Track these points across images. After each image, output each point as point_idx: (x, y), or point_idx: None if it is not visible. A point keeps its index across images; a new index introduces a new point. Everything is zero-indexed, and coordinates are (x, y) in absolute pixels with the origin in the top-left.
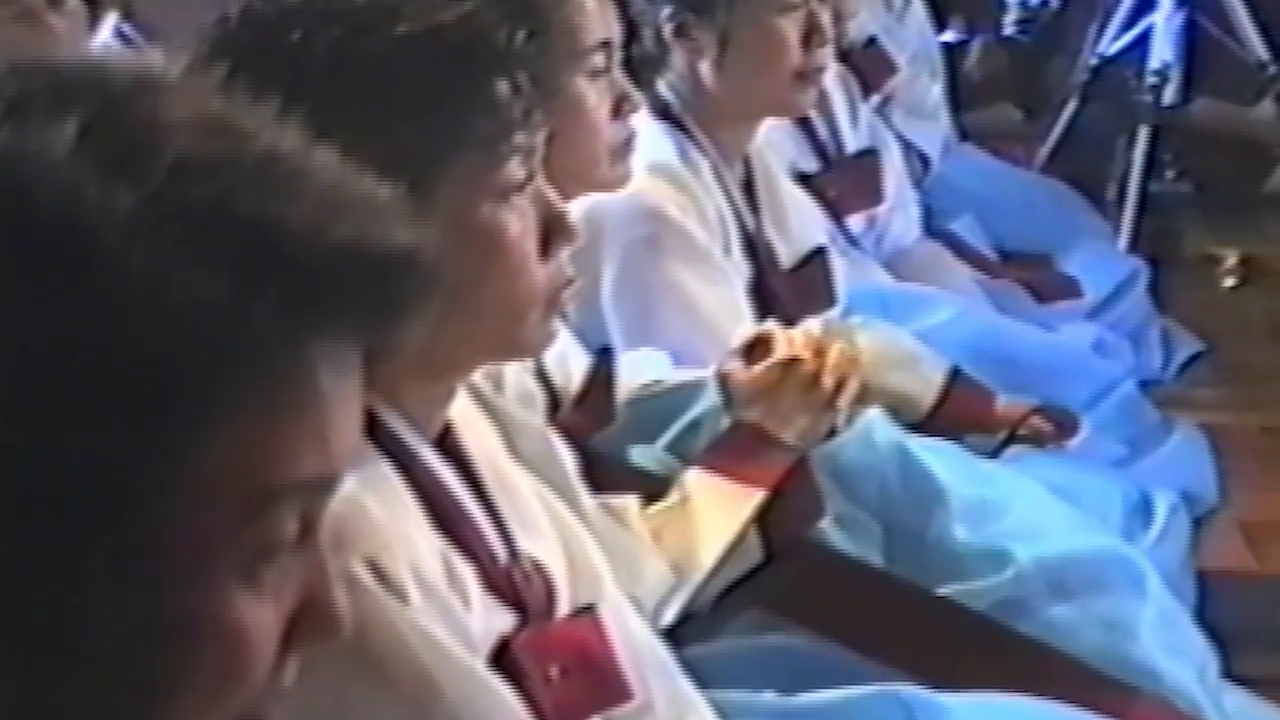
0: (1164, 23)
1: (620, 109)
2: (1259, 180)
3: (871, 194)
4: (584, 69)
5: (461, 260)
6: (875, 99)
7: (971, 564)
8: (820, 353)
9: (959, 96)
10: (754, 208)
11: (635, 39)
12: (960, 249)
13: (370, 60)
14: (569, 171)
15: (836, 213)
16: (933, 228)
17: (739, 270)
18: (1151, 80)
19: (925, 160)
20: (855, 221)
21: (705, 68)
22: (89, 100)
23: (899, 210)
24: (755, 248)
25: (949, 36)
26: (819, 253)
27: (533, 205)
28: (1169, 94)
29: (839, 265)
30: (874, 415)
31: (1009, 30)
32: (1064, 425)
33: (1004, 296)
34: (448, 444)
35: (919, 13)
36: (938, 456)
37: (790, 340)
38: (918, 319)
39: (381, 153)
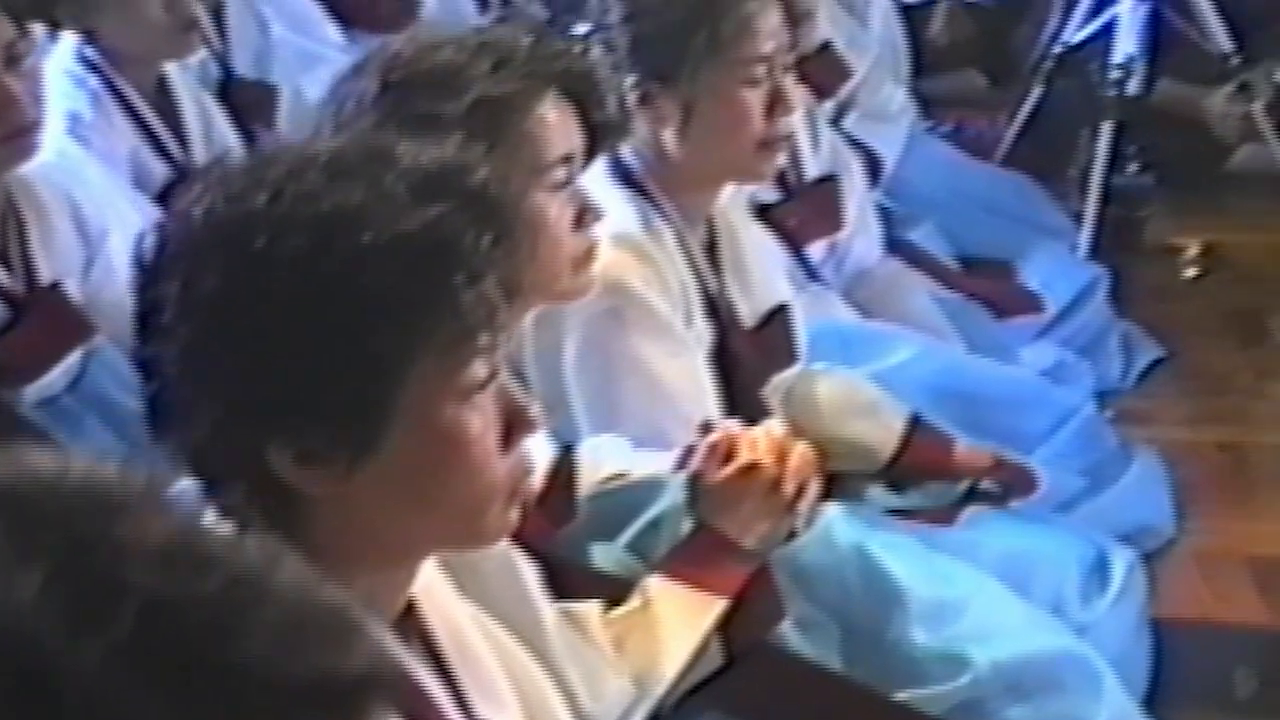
0: (1128, 13)
1: (582, 219)
2: (1219, 166)
3: (832, 221)
4: (545, 184)
5: (422, 460)
6: (829, 105)
7: (929, 668)
8: (782, 457)
9: (922, 62)
10: (716, 269)
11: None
12: (920, 262)
13: (334, 270)
14: (531, 284)
15: (797, 242)
16: (893, 237)
17: (701, 337)
18: (1115, 74)
19: (880, 162)
20: (816, 249)
21: (669, 135)
22: (52, 542)
23: (860, 232)
24: (718, 309)
25: None
26: (781, 310)
27: (495, 401)
28: (1133, 85)
29: (800, 313)
30: (833, 515)
31: None
32: (1022, 482)
33: (963, 316)
34: (408, 623)
35: (884, 11)
36: (896, 555)
37: (753, 444)
38: (878, 359)
39: (345, 359)
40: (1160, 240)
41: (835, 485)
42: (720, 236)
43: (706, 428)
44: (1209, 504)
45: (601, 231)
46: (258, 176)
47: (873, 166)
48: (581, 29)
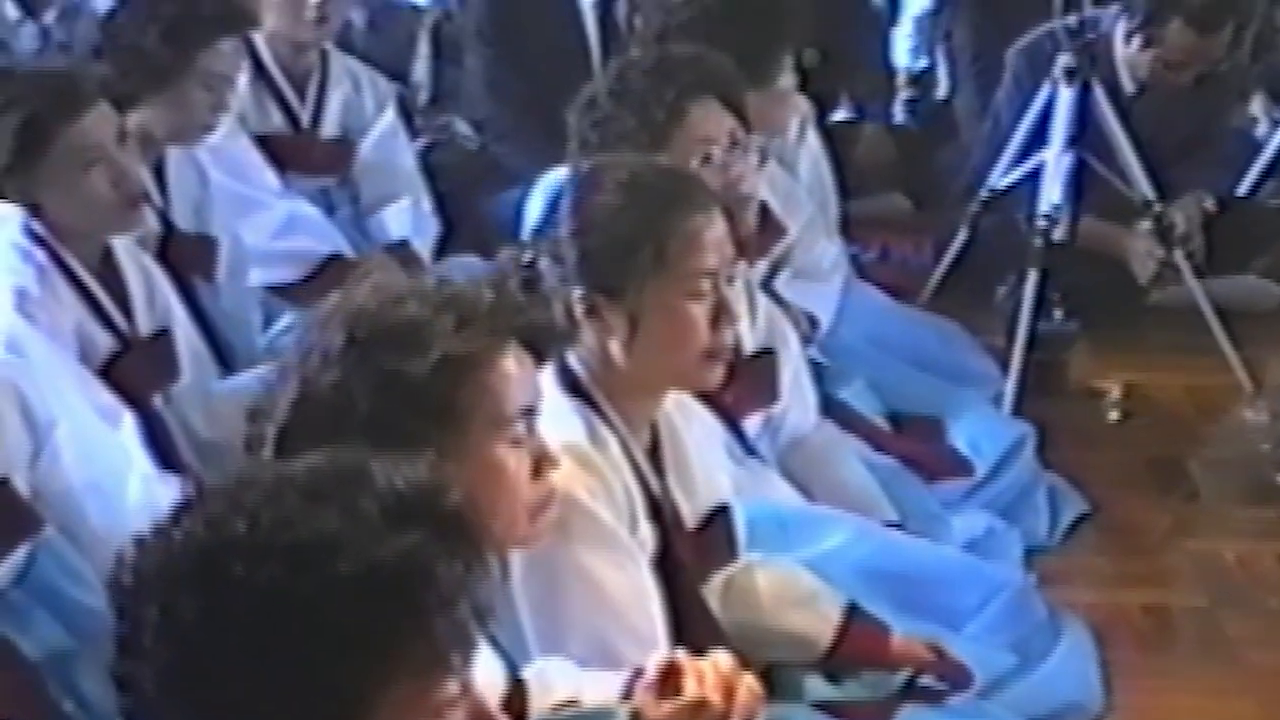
0: (1054, 161)
1: (540, 468)
2: (1138, 304)
3: (768, 394)
4: (505, 437)
5: None
6: (762, 264)
7: None
8: (729, 693)
9: (846, 185)
10: (659, 471)
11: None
12: (852, 423)
13: (308, 599)
14: (487, 534)
15: (733, 417)
16: (826, 395)
17: (645, 543)
18: (1042, 224)
19: (814, 321)
20: (752, 422)
21: (615, 346)
22: None
23: (795, 402)
24: (661, 512)
25: (840, 116)
26: (722, 511)
27: (467, 713)
28: (1058, 232)
29: (737, 493)
30: None
31: (898, 115)
32: (959, 677)
33: (895, 482)
34: None
35: (812, 155)
36: None
37: (701, 677)
38: (814, 542)
39: (316, 687)
40: (1083, 382)
41: (773, 676)
42: (663, 438)
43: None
44: (1134, 675)
45: (548, 442)
46: (236, 501)
47: (810, 325)
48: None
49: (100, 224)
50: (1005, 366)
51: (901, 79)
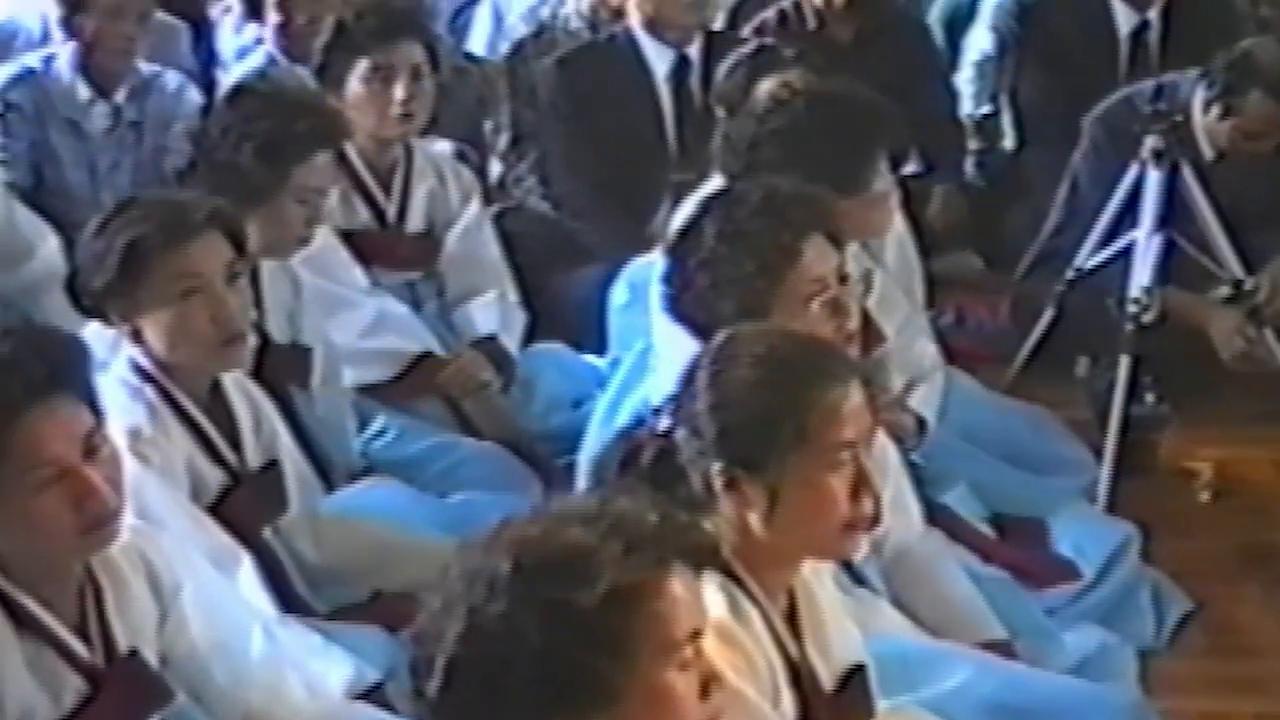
0: (1144, 242)
1: (707, 689)
2: (1222, 375)
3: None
4: (675, 662)
5: None
6: None
7: None
8: None
9: (921, 244)
10: (797, 636)
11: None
12: (956, 531)
13: None
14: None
15: None
16: (929, 501)
17: (786, 712)
18: (1133, 308)
19: (922, 423)
20: None
21: (754, 519)
22: None
23: (898, 517)
24: (800, 678)
25: (910, 169)
26: (859, 670)
27: None
28: (1148, 315)
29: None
30: None
31: (969, 172)
32: None
33: (1002, 597)
34: None
35: (898, 238)
36: None
37: None
38: (938, 680)
39: None
40: (1173, 462)
41: None
42: (800, 602)
43: None
44: None
45: None
46: None
47: (916, 427)
48: None
49: (196, 357)
50: (1094, 447)
51: (966, 127)
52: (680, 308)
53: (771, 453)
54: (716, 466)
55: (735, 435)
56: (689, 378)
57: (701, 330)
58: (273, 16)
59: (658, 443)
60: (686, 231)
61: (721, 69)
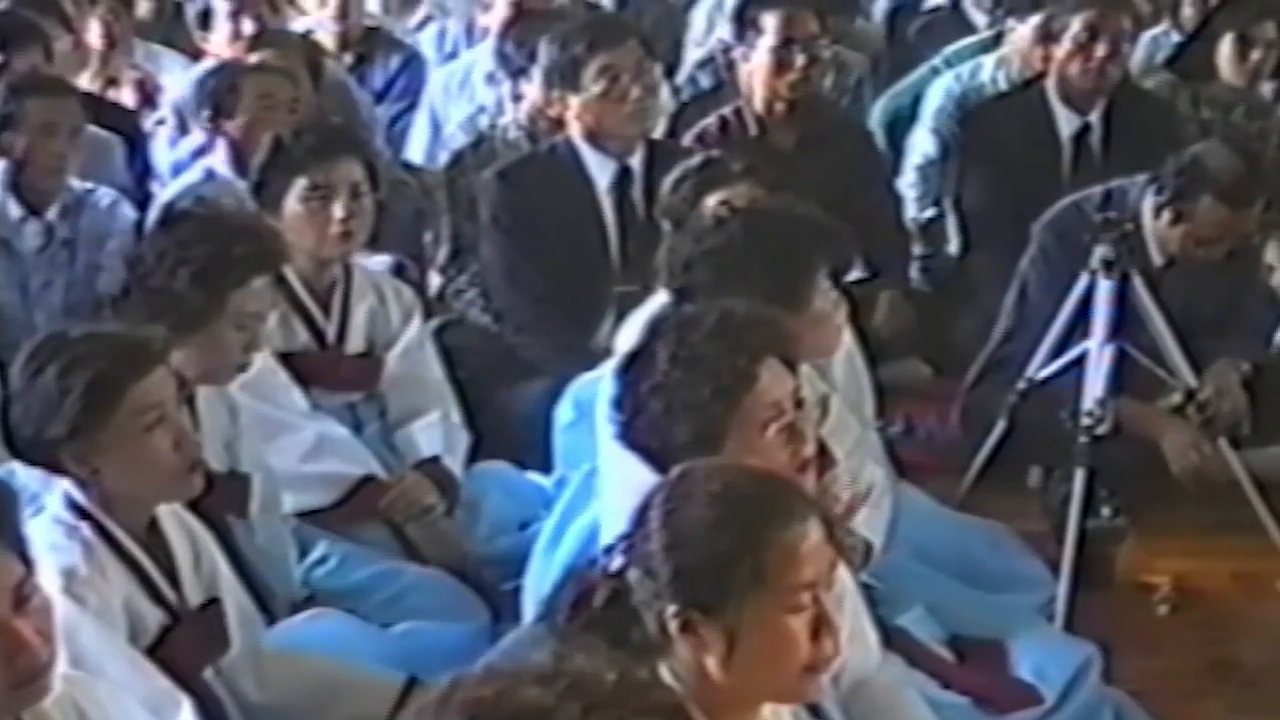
0: (1096, 353)
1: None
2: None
3: None
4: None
5: None
6: None
7: None
8: None
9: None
10: None
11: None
12: (915, 656)
13: None
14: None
15: None
16: (885, 624)
17: None
18: (1087, 420)
19: (870, 548)
20: None
21: (711, 662)
22: None
23: (855, 641)
24: None
25: (854, 276)
26: None
27: None
28: (1103, 427)
29: None
30: None
31: (915, 278)
32: None
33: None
34: None
35: (848, 360)
36: None
37: None
38: None
39: None
40: (1131, 575)
41: None
42: None
43: None
44: None
45: None
46: None
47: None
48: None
49: (158, 488)
50: (1050, 560)
51: (911, 232)
52: (631, 433)
53: (729, 595)
54: (671, 609)
55: (691, 577)
56: (641, 516)
57: (654, 457)
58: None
59: (610, 583)
60: (637, 354)
61: (667, 182)
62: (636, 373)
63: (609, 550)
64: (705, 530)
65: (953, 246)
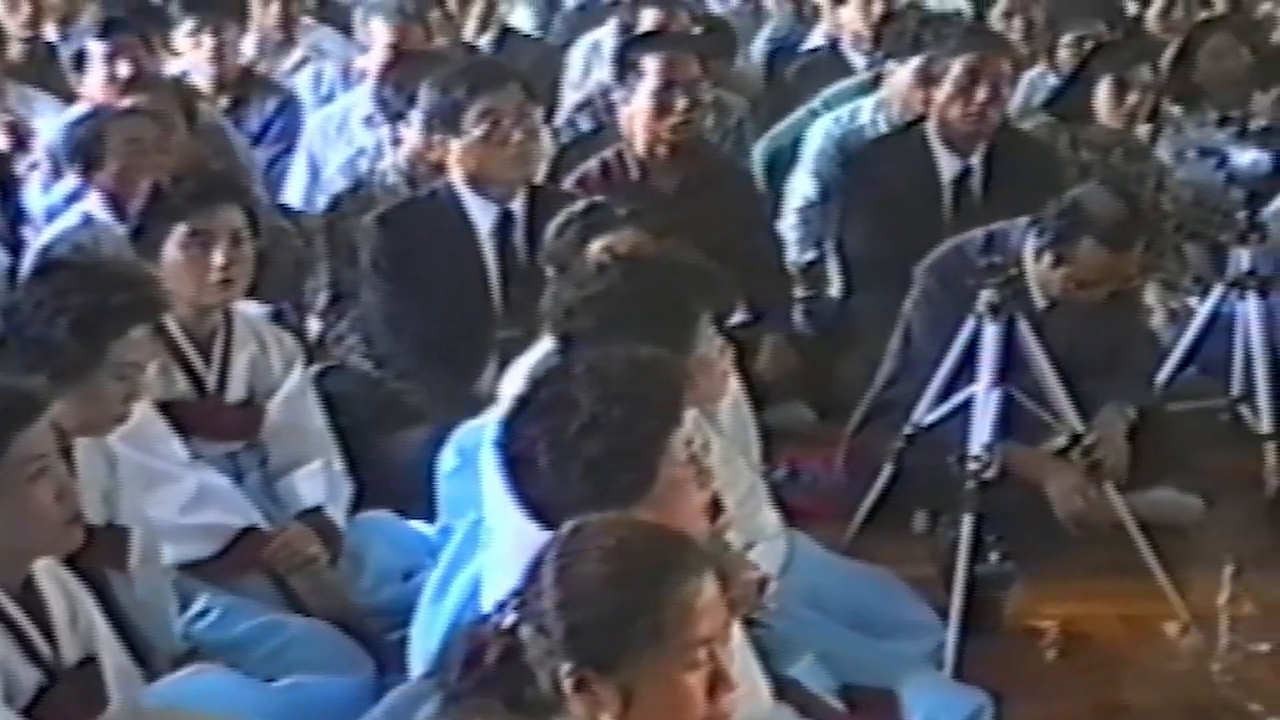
0: (983, 398)
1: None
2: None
3: None
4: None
5: None
6: None
7: None
8: None
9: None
10: None
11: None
12: (806, 707)
13: None
14: None
15: None
16: (776, 676)
17: None
18: (974, 465)
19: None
20: None
21: None
22: None
23: (744, 695)
24: None
25: (737, 319)
26: None
27: None
28: (990, 472)
29: None
30: None
31: (797, 321)
32: None
33: None
34: None
35: (734, 406)
36: None
37: None
38: None
39: None
40: (1018, 620)
41: None
42: None
43: None
44: None
45: None
46: None
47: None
48: None
49: (39, 541)
50: (938, 605)
51: (792, 274)
52: (523, 484)
53: (624, 652)
54: (566, 667)
55: (585, 634)
56: (534, 572)
57: (546, 508)
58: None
59: (503, 641)
60: (526, 402)
61: (551, 227)
62: (529, 422)
63: (501, 606)
64: (600, 587)
65: (834, 289)
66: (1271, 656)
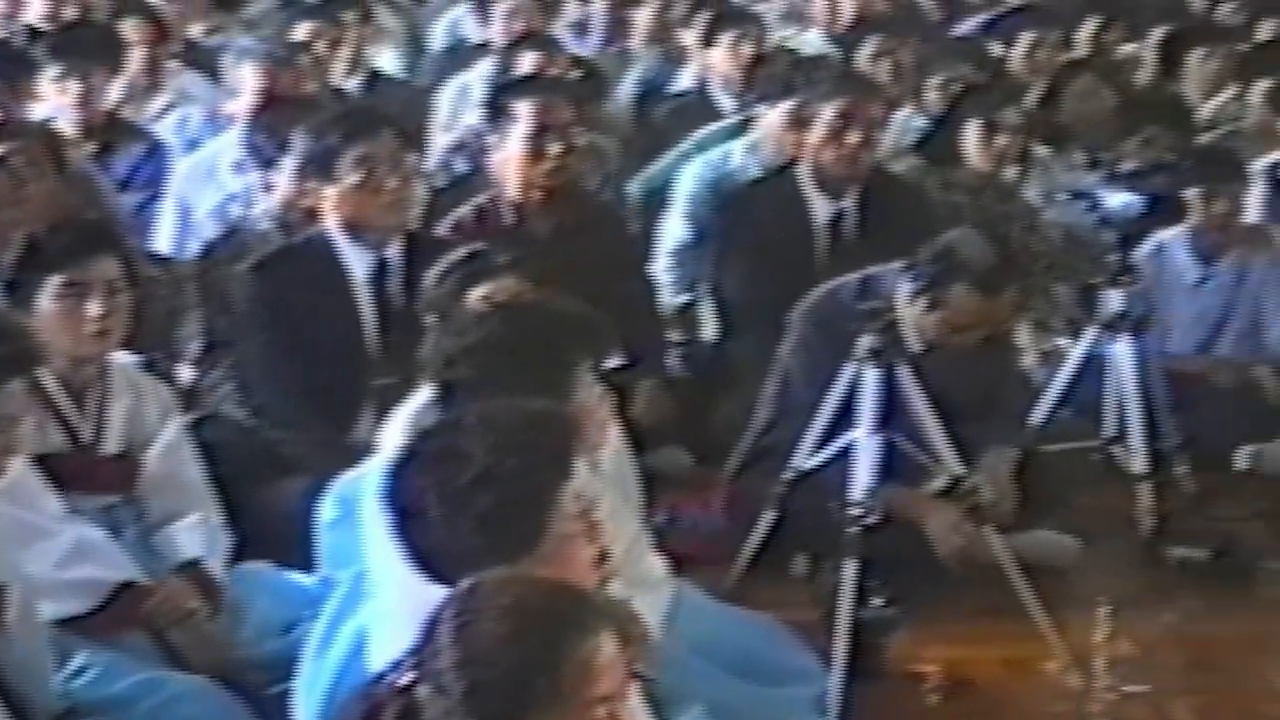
0: (864, 443)
1: None
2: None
3: None
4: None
5: None
6: None
7: None
8: None
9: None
10: None
11: None
12: None
13: None
14: None
15: None
16: None
17: None
18: (856, 511)
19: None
20: None
21: None
22: None
23: None
24: None
25: (612, 364)
26: None
27: None
28: (871, 517)
29: None
30: None
31: (672, 365)
32: None
33: None
34: None
35: (614, 453)
36: None
37: None
38: None
39: None
40: (901, 664)
41: None
42: None
43: None
44: None
45: None
46: None
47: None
48: None
49: None
50: (821, 652)
51: (667, 318)
52: (409, 537)
53: (524, 711)
54: None
55: (484, 693)
56: (431, 631)
57: (439, 561)
58: None
59: (400, 700)
60: (414, 454)
61: (430, 275)
62: (419, 473)
63: (397, 665)
64: (499, 646)
65: (709, 332)
66: (1150, 696)
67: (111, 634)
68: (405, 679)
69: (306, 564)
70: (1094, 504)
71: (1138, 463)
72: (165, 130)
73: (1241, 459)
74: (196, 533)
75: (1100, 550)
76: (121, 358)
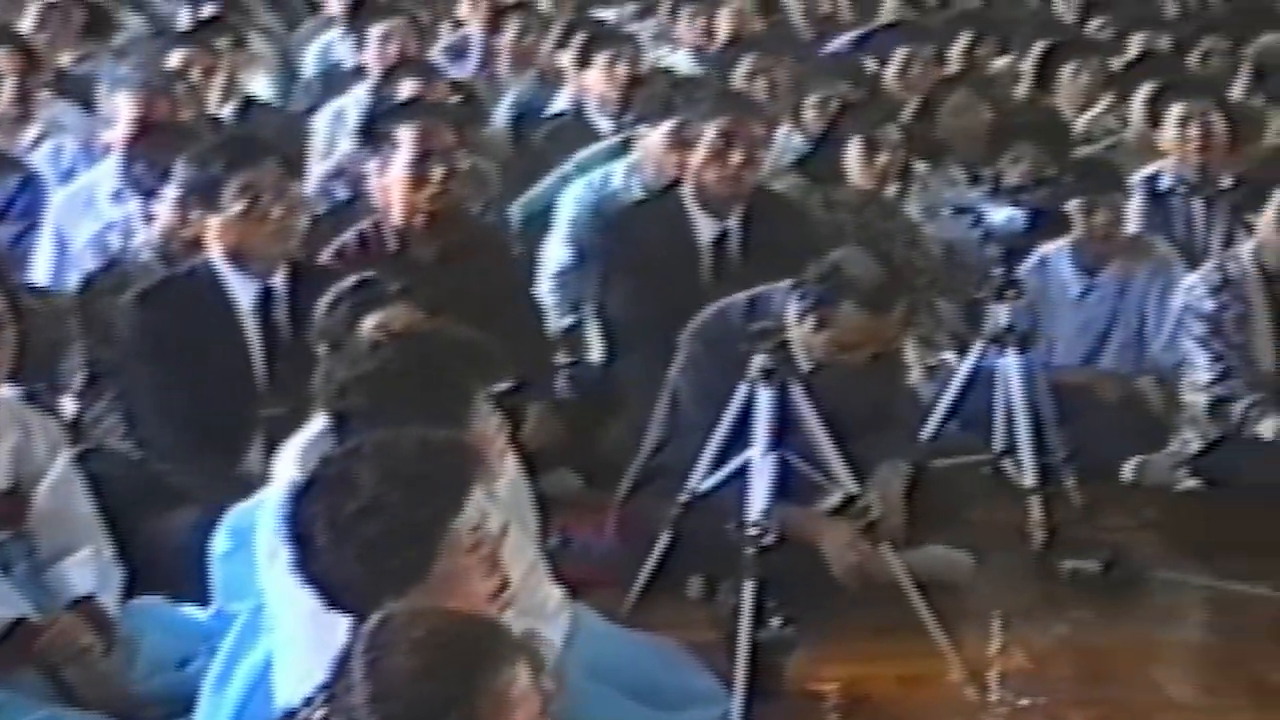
0: (759, 463)
1: None
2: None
3: None
4: None
5: None
6: None
7: None
8: None
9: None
10: None
11: None
12: None
13: None
14: None
15: None
16: None
17: None
18: (753, 531)
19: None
20: None
21: None
22: None
23: None
24: None
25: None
26: None
27: None
28: (769, 537)
29: None
30: None
31: (560, 387)
32: None
33: None
34: None
35: (510, 481)
36: None
37: None
38: None
39: None
40: (800, 683)
41: None
42: None
43: None
44: None
45: None
46: None
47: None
48: None
49: None
50: (720, 673)
51: (553, 340)
52: (311, 567)
53: None
54: None
55: None
56: (343, 666)
57: (337, 591)
58: None
59: None
60: (312, 481)
61: (322, 304)
62: (311, 501)
63: (309, 701)
64: (412, 680)
65: (596, 354)
66: (1046, 707)
67: (4, 673)
68: (318, 715)
69: (199, 597)
70: (985, 518)
71: (1027, 476)
72: (39, 161)
73: (1128, 470)
74: (88, 568)
75: (992, 564)
76: (5, 392)
